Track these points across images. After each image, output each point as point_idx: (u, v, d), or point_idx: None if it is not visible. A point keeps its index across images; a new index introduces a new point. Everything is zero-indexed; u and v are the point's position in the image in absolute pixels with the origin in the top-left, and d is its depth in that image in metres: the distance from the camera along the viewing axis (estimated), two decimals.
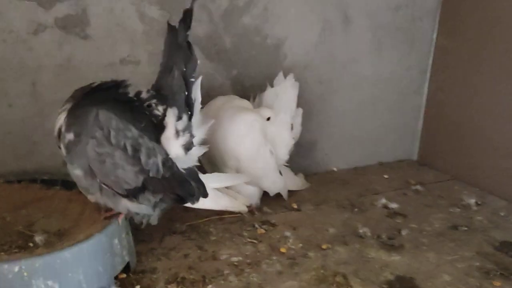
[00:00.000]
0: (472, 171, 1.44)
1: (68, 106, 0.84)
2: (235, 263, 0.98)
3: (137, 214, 0.89)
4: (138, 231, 1.01)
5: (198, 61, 0.87)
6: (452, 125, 1.49)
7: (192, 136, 0.89)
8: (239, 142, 1.09)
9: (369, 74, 1.47)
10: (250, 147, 1.11)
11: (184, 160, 0.90)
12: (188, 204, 0.93)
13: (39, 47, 1.03)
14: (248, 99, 1.24)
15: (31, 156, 1.09)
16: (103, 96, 0.85)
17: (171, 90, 0.86)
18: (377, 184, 1.42)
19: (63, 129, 0.84)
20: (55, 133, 0.85)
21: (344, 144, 1.51)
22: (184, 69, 0.86)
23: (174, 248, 1.02)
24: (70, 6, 1.03)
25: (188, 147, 0.89)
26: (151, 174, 0.84)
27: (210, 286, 0.89)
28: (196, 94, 0.89)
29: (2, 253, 0.83)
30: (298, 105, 1.27)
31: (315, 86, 1.41)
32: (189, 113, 0.88)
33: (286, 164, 1.28)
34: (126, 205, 0.87)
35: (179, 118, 0.87)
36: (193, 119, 0.90)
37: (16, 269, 0.71)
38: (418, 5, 1.47)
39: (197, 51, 1.19)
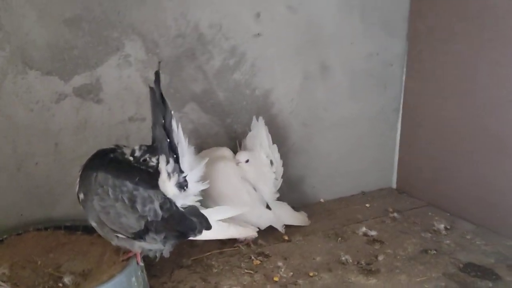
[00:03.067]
0: (443, 197, 1.61)
1: (80, 172, 1.02)
2: None
3: (150, 250, 1.06)
4: (151, 267, 1.17)
5: (172, 112, 1.00)
6: (425, 157, 1.67)
7: (181, 174, 1.03)
8: (216, 186, 1.23)
9: (347, 115, 1.65)
10: (226, 189, 1.28)
11: (183, 198, 1.06)
12: (198, 237, 1.08)
13: (60, 113, 1.21)
14: (240, 145, 1.43)
15: (56, 206, 1.26)
16: (103, 160, 1.02)
17: (158, 140, 1.01)
18: (359, 213, 1.59)
19: (77, 191, 1.02)
20: (76, 194, 1.03)
21: (329, 177, 1.69)
22: (163, 121, 1.00)
23: (182, 281, 1.18)
24: (85, 77, 1.22)
25: (181, 185, 1.04)
26: (149, 219, 1.01)
27: None
28: (179, 139, 1.03)
29: None
30: (285, 146, 1.45)
31: (300, 128, 1.59)
32: (174, 156, 1.02)
33: (278, 199, 1.45)
34: (139, 245, 1.04)
35: (167, 162, 1.01)
36: (181, 160, 1.03)
37: None
38: (388, 52, 1.67)
39: (194, 105, 1.40)
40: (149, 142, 1.05)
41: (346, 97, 1.64)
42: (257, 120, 1.40)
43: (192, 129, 1.40)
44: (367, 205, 1.66)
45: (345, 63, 1.60)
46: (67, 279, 1.04)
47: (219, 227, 1.10)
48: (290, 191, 1.54)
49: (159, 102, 1.00)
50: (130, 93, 1.29)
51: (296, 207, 1.51)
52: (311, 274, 1.22)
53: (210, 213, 1.09)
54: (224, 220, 1.12)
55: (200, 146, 1.39)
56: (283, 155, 1.45)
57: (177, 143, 1.02)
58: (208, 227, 1.07)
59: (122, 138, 1.28)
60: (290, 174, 1.52)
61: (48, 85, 1.17)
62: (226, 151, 1.38)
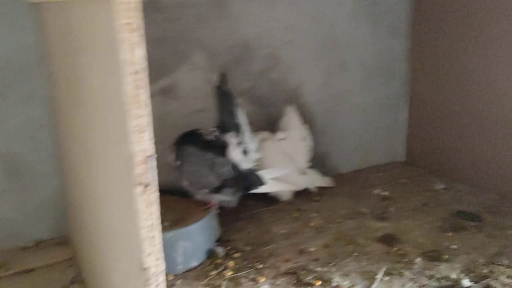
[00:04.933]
0: (444, 166, 2.00)
1: (174, 147, 1.45)
2: (283, 233, 1.55)
3: (224, 201, 1.48)
4: (218, 219, 1.59)
5: (236, 100, 1.44)
6: (429, 134, 2.06)
7: (245, 144, 1.45)
8: (264, 160, 1.65)
9: (362, 102, 2.05)
10: (272, 161, 1.68)
11: (246, 163, 1.48)
12: (257, 190, 1.50)
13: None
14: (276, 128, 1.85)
15: None
16: (190, 138, 1.45)
17: (226, 122, 1.44)
18: (374, 180, 1.99)
19: (173, 159, 1.44)
20: (171, 162, 1.46)
21: (348, 153, 2.09)
22: (230, 107, 1.43)
23: (242, 227, 1.60)
24: (166, 80, 1.65)
25: (245, 152, 1.46)
26: (225, 177, 1.43)
27: (270, 245, 1.47)
28: (241, 119, 1.45)
29: None
30: (312, 128, 1.86)
31: (324, 114, 1.99)
32: (239, 131, 1.45)
33: (310, 167, 1.86)
34: (217, 197, 1.46)
35: (234, 136, 1.45)
36: (243, 135, 1.45)
37: (170, 234, 1.29)
38: (394, 49, 2.06)
39: (243, 99, 1.81)
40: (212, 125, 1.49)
41: (360, 88, 2.04)
42: (289, 107, 1.82)
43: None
44: (381, 174, 2.06)
45: (358, 60, 2.00)
46: (165, 224, 1.47)
47: (271, 183, 1.52)
48: (317, 165, 1.95)
49: (227, 94, 1.42)
50: (197, 91, 1.71)
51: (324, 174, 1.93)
52: (338, 221, 1.63)
53: (264, 173, 1.50)
54: (274, 179, 1.54)
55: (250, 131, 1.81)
56: (311, 136, 1.86)
57: (241, 123, 1.43)
58: (263, 183, 1.49)
59: (192, 124, 1.70)
60: (317, 150, 1.92)
61: None
62: (267, 134, 1.79)
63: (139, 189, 0.58)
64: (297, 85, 1.91)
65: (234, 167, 1.43)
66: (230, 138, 1.43)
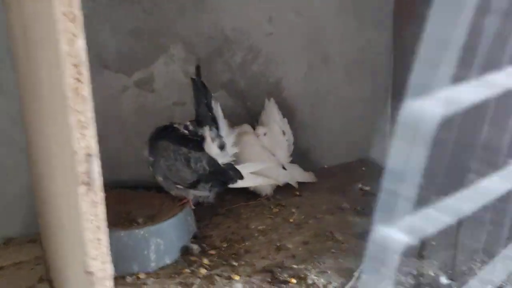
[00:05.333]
0: None
1: (149, 142, 1.41)
2: (261, 229, 1.52)
3: (200, 197, 1.45)
4: (195, 214, 1.56)
5: (212, 94, 1.41)
6: None
7: (221, 138, 1.43)
8: (244, 154, 1.61)
9: (345, 97, 2.02)
10: (251, 156, 1.65)
11: (223, 157, 1.45)
12: (235, 185, 1.48)
13: (124, 100, 1.60)
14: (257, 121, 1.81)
15: (122, 170, 1.65)
16: (164, 133, 1.42)
17: (202, 116, 1.41)
18: (356, 174, 1.97)
19: (147, 155, 1.41)
20: (145, 158, 1.42)
21: (331, 147, 2.06)
22: (205, 100, 1.40)
23: (220, 223, 1.57)
24: (142, 73, 1.60)
25: (221, 146, 1.43)
26: (200, 172, 1.40)
27: (247, 242, 1.44)
28: (217, 113, 1.43)
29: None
30: (295, 123, 1.83)
31: (307, 108, 1.96)
32: (216, 125, 1.42)
33: (291, 162, 1.83)
34: (193, 192, 1.43)
35: (211, 130, 1.41)
36: (220, 129, 1.43)
37: (142, 232, 1.26)
38: (378, 44, 2.03)
39: (223, 92, 1.78)
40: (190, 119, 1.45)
41: (344, 82, 2.00)
42: (269, 101, 1.78)
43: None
44: (363, 168, 2.04)
45: (342, 54, 1.96)
46: (139, 220, 1.44)
47: (249, 178, 1.49)
48: (299, 159, 1.93)
49: (201, 87, 1.38)
50: (174, 84, 1.67)
51: (305, 170, 1.90)
52: (318, 216, 1.60)
53: (242, 168, 1.48)
54: (253, 173, 1.51)
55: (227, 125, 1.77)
56: (293, 130, 1.83)
57: (217, 116, 1.40)
58: (241, 177, 1.46)
59: (169, 118, 1.66)
60: (299, 145, 1.89)
61: (117, 80, 1.56)
62: (247, 127, 1.76)
63: (82, 189, 0.54)
64: (279, 79, 1.87)
65: (210, 161, 1.40)
66: (206, 132, 1.40)
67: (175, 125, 1.43)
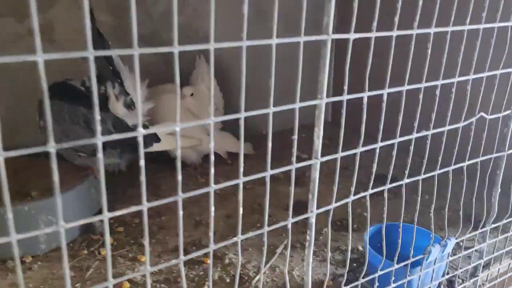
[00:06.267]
0: (368, 127, 1.86)
1: (38, 103, 1.18)
2: (183, 203, 1.34)
3: (109, 165, 1.24)
4: (107, 186, 1.35)
5: (110, 42, 1.15)
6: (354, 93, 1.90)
7: (127, 95, 1.20)
8: (162, 117, 1.41)
9: (281, 53, 1.84)
10: (172, 119, 1.46)
11: (132, 118, 1.22)
12: (150, 149, 1.27)
13: (17, 52, 1.33)
14: (187, 81, 1.60)
15: (16, 135, 1.41)
16: (57, 91, 1.17)
17: (102, 70, 1.17)
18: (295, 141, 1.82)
19: (38, 119, 1.17)
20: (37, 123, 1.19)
21: (306, 102, 1.89)
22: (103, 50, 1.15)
23: (135, 196, 1.38)
24: (38, 20, 1.33)
25: (128, 105, 1.21)
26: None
27: (163, 217, 1.26)
28: (119, 66, 1.19)
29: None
30: (230, 85, 1.63)
31: (240, 66, 1.77)
32: (119, 80, 1.19)
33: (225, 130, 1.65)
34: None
35: (113, 86, 1.18)
36: (125, 84, 1.19)
37: (26, 208, 1.05)
38: None
39: (143, 46, 1.54)
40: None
41: (282, 38, 1.82)
42: (199, 58, 1.57)
43: (141, 68, 1.55)
44: (303, 135, 1.89)
45: (280, 8, 1.77)
46: (34, 193, 1.22)
47: (167, 140, 1.29)
48: (235, 125, 1.74)
49: (96, 36, 1.14)
50: (77, 34, 1.42)
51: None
52: (247, 187, 1.45)
53: (158, 129, 1.26)
54: (172, 135, 1.31)
55: (149, 84, 1.55)
56: (229, 93, 1.64)
57: (119, 70, 1.18)
58: (157, 140, 1.26)
59: (72, 73, 1.42)
60: (236, 108, 1.70)
61: (5, 26, 1.29)
62: (171, 86, 1.55)
63: None
64: (208, 33, 1.66)
65: (117, 123, 1.19)
66: (109, 89, 1.18)
67: (71, 82, 1.19)
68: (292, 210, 1.34)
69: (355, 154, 1.77)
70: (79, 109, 1.15)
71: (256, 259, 1.08)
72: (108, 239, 0.47)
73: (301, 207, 1.32)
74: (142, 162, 0.48)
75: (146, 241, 0.51)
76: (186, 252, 1.12)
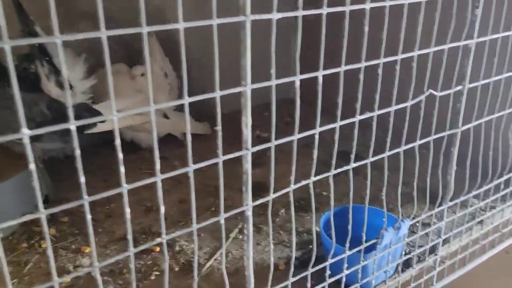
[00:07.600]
0: (330, 104, 1.82)
1: None
2: (132, 188, 1.28)
3: (53, 150, 1.16)
4: (55, 173, 1.28)
5: (30, 17, 1.05)
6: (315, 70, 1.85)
7: (58, 75, 1.10)
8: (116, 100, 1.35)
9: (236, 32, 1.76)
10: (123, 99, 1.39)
11: (71, 97, 1.14)
12: (95, 130, 1.18)
13: None
14: (138, 61, 1.51)
15: None
16: None
17: (29, 48, 1.08)
18: (256, 120, 1.72)
19: None
20: None
21: (229, 89, 1.82)
22: (27, 27, 1.05)
23: (85, 183, 1.30)
24: None
25: (61, 85, 1.11)
26: (38, 119, 1.08)
27: (112, 204, 1.20)
28: (47, 43, 1.07)
29: None
30: (186, 62, 1.55)
31: (200, 44, 1.68)
32: (47, 58, 1.09)
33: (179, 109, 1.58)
34: (40, 146, 1.13)
35: (42, 65, 1.09)
36: (55, 61, 1.09)
37: None
38: None
39: (88, 23, 1.44)
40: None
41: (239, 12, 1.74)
42: (151, 37, 1.48)
43: (88, 47, 1.45)
44: (266, 113, 1.84)
45: None
46: None
47: (115, 119, 1.21)
48: (194, 103, 1.67)
49: (18, 12, 1.04)
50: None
51: (200, 119, 1.66)
52: (203, 169, 1.38)
53: (103, 107, 1.19)
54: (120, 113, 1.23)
55: (98, 64, 1.45)
56: (182, 71, 1.55)
57: (47, 46, 1.08)
58: (102, 120, 1.18)
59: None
60: (194, 89, 1.63)
61: None
62: (121, 67, 1.46)
63: None
64: (159, 8, 1.56)
65: (52, 104, 1.10)
66: (38, 68, 1.09)
67: None
68: (252, 191, 1.26)
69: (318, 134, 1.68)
70: (8, 91, 1.05)
71: (208, 245, 1.03)
72: (48, 238, 0.42)
73: (258, 188, 1.28)
74: (75, 150, 0.42)
75: (91, 242, 0.45)
76: (135, 241, 1.07)
